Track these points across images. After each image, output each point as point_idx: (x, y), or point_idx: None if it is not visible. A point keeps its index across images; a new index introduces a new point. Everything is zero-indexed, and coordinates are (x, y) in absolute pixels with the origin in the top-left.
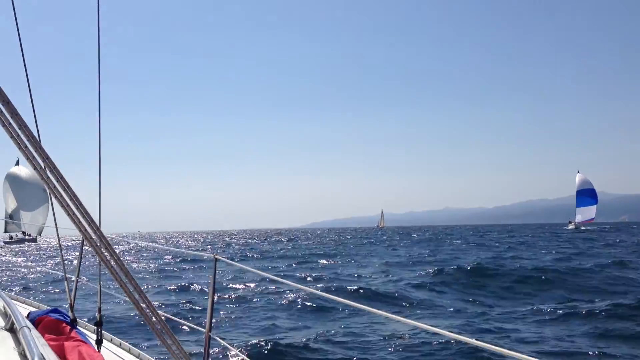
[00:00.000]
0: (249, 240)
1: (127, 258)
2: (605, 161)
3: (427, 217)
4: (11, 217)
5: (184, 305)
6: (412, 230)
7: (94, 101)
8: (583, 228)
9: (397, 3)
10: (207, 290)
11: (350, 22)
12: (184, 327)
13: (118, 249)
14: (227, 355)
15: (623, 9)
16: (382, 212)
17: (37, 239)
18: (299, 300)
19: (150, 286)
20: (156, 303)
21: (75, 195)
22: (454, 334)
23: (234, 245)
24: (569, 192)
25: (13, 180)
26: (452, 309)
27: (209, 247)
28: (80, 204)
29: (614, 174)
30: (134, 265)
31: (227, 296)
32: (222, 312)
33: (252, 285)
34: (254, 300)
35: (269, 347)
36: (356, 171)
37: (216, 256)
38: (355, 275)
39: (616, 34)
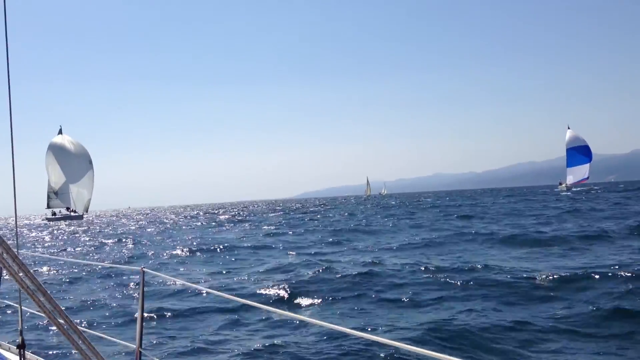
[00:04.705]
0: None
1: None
2: (591, 122)
3: (417, 184)
4: (55, 193)
5: (110, 319)
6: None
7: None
8: (575, 189)
9: None
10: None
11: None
12: (112, 343)
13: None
14: None
15: None
16: (367, 180)
17: (84, 215)
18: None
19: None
20: (79, 320)
21: None
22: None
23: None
24: (557, 154)
25: (58, 151)
26: None
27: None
28: None
29: (601, 134)
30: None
31: (160, 308)
32: (153, 327)
33: (193, 296)
34: (194, 313)
35: None
36: (343, 140)
37: (143, 269)
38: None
39: None
